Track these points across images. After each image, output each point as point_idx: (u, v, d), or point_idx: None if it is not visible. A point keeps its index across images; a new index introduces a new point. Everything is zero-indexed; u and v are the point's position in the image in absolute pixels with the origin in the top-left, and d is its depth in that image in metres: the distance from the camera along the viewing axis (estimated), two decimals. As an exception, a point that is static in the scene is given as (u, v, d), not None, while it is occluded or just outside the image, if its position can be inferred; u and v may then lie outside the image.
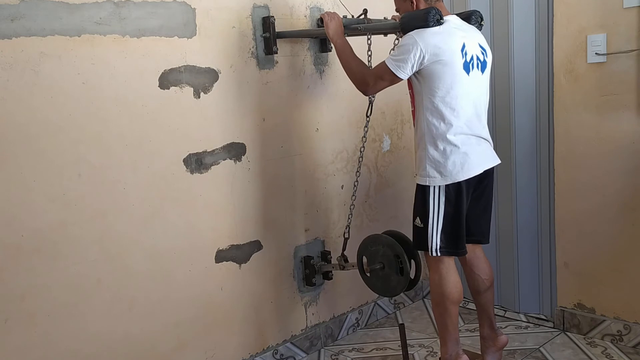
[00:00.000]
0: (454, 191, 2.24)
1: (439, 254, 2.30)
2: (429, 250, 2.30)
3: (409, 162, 3.37)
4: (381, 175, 3.19)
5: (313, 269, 2.85)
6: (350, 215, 2.73)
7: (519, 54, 2.90)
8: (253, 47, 2.56)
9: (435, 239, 2.28)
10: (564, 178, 2.82)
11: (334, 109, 2.92)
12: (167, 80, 2.30)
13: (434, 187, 2.24)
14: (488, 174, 2.35)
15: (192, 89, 2.37)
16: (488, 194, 2.42)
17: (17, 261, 1.98)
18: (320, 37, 2.74)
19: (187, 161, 2.39)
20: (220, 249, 2.53)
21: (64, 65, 2.03)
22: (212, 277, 2.51)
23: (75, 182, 2.09)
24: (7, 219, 1.95)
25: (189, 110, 2.37)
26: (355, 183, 2.71)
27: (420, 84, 2.22)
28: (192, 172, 2.40)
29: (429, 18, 2.12)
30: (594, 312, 2.85)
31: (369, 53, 2.55)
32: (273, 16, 2.57)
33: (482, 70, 2.26)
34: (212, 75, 2.43)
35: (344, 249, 2.75)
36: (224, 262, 2.55)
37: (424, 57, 2.12)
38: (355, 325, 3.16)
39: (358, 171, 2.69)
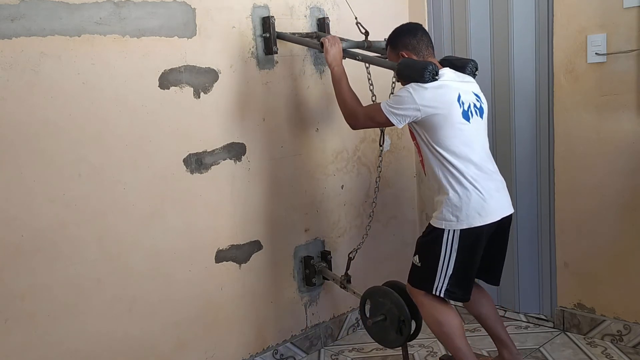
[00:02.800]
0: (470, 237, 2.20)
1: (442, 296, 2.25)
2: (433, 290, 2.24)
3: (409, 162, 3.37)
4: (381, 175, 3.19)
5: (313, 269, 2.85)
6: (365, 236, 2.74)
7: (519, 54, 2.90)
8: (253, 47, 2.56)
9: (442, 281, 2.23)
10: (564, 178, 2.82)
11: (334, 109, 2.91)
12: (167, 80, 2.30)
13: (449, 230, 2.19)
14: (505, 223, 2.30)
15: (192, 89, 2.37)
16: (505, 241, 2.37)
17: (17, 261, 1.98)
18: (318, 50, 2.72)
19: (187, 161, 2.39)
20: (220, 249, 2.53)
21: (64, 65, 2.03)
22: (212, 277, 2.51)
23: (75, 182, 2.09)
24: (7, 219, 1.95)
25: (189, 110, 2.37)
26: (371, 214, 2.79)
27: (422, 134, 2.22)
28: (192, 172, 2.40)
29: (425, 74, 2.15)
30: (594, 312, 2.85)
31: (369, 79, 2.63)
32: (273, 16, 2.57)
33: (481, 116, 2.27)
34: (212, 75, 2.43)
35: (347, 269, 2.75)
36: (224, 262, 2.55)
37: (419, 111, 2.14)
38: (355, 325, 3.16)
39: (374, 202, 2.77)
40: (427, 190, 3.39)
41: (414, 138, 2.31)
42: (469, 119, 2.20)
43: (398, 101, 2.18)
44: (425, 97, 2.14)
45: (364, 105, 2.38)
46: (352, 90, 2.41)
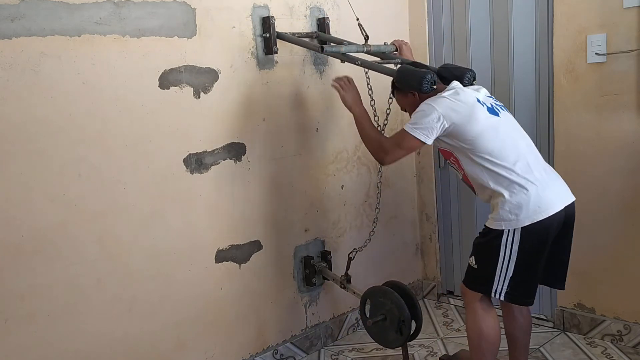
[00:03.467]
0: (532, 234, 2.09)
1: (503, 299, 2.16)
2: (492, 292, 2.16)
3: (409, 162, 3.37)
4: (380, 175, 3.18)
5: (313, 269, 2.85)
6: (368, 240, 2.74)
7: (519, 54, 2.90)
8: (253, 47, 2.56)
9: (502, 283, 2.13)
10: (564, 178, 2.78)
11: (334, 109, 2.92)
12: (167, 80, 2.30)
13: (509, 230, 2.09)
14: (569, 215, 2.18)
15: (192, 89, 2.37)
16: (569, 238, 2.23)
17: (17, 261, 1.98)
18: (317, 52, 2.72)
19: (187, 161, 2.39)
20: (220, 249, 2.53)
21: (64, 65, 2.03)
22: (212, 277, 2.51)
23: (75, 182, 2.09)
24: (7, 219, 1.95)
25: (189, 110, 2.37)
26: (375, 219, 2.77)
27: (457, 145, 2.15)
28: (192, 172, 2.40)
29: (424, 83, 2.14)
30: (594, 312, 2.85)
31: (369, 84, 2.62)
32: (273, 16, 2.57)
33: (507, 111, 2.24)
34: (212, 75, 2.43)
35: (347, 269, 2.75)
36: (224, 262, 2.55)
37: (443, 119, 2.09)
38: (355, 325, 3.16)
39: (377, 208, 2.75)
40: (427, 190, 3.39)
41: (449, 156, 2.23)
42: (498, 113, 2.16)
43: (419, 116, 2.13)
44: (444, 104, 2.10)
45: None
46: (375, 128, 2.37)
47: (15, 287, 1.98)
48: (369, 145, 2.34)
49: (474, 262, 2.21)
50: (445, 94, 2.14)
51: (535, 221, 2.07)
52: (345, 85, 2.47)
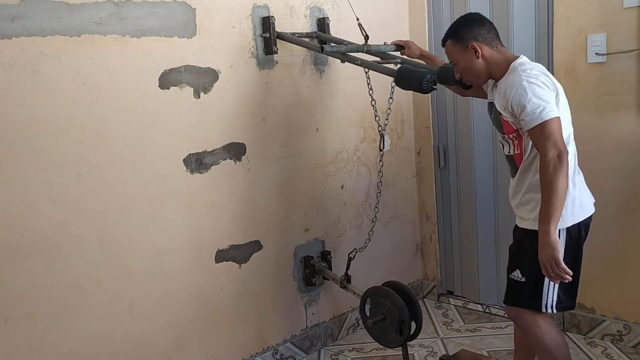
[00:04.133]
0: (575, 233, 1.98)
1: (554, 311, 2.00)
2: (541, 307, 1.99)
3: (409, 162, 3.37)
4: (381, 175, 3.19)
5: (313, 269, 2.85)
6: (367, 241, 2.73)
7: (519, 54, 2.89)
8: (253, 47, 2.56)
9: (551, 294, 1.98)
10: (564, 178, 2.82)
11: (334, 109, 2.92)
12: (167, 80, 2.30)
13: (556, 231, 1.89)
14: (589, 222, 2.08)
15: (192, 89, 2.37)
16: (582, 248, 2.08)
17: (17, 261, 1.98)
18: (317, 52, 2.71)
19: (187, 161, 2.39)
20: (220, 249, 2.53)
21: (64, 65, 2.03)
22: (212, 277, 2.51)
23: (75, 182, 2.09)
24: (7, 219, 1.95)
25: (189, 110, 2.37)
26: (374, 218, 2.74)
27: None
28: (192, 172, 2.40)
29: (424, 84, 2.12)
30: (594, 312, 2.85)
31: (369, 84, 2.58)
32: (273, 16, 2.57)
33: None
34: (212, 75, 2.43)
35: (347, 269, 2.75)
36: (224, 262, 2.55)
37: (556, 90, 1.93)
38: (355, 325, 3.16)
39: (377, 207, 2.71)
40: (427, 190, 3.39)
41: (510, 131, 2.00)
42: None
43: (538, 95, 1.85)
44: (543, 73, 1.93)
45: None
46: (560, 194, 1.86)
47: (15, 287, 1.98)
48: (563, 182, 1.84)
49: (520, 276, 2.01)
50: (529, 65, 1.95)
51: (577, 221, 1.98)
52: (550, 261, 1.87)
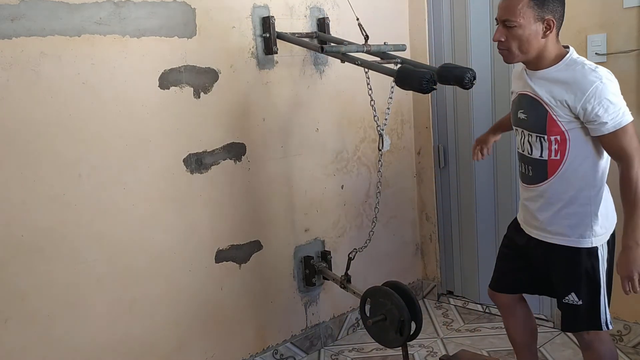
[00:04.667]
0: (611, 246, 1.90)
1: (611, 327, 1.91)
2: (601, 326, 1.88)
3: (409, 162, 3.37)
4: (381, 175, 3.19)
5: (313, 269, 2.85)
6: (368, 240, 2.73)
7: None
8: (253, 47, 2.56)
9: (606, 309, 1.88)
10: (564, 178, 2.82)
11: (334, 109, 2.92)
12: (167, 80, 2.30)
13: (602, 246, 1.86)
14: None
15: (192, 89, 2.37)
16: None
17: (17, 261, 1.98)
18: (317, 52, 2.70)
19: (187, 161, 2.39)
20: (220, 249, 2.53)
21: (64, 65, 2.03)
22: (212, 277, 2.51)
23: (75, 182, 2.09)
24: (7, 219, 1.95)
25: (189, 110, 2.37)
26: (374, 219, 2.69)
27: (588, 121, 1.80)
28: (192, 172, 2.40)
29: (423, 84, 2.08)
30: (594, 312, 2.84)
31: (369, 84, 2.55)
32: (273, 16, 2.57)
33: None
34: (212, 75, 2.43)
35: (347, 269, 2.75)
36: (224, 262, 2.55)
37: None
38: (355, 325, 3.16)
39: (377, 207, 2.67)
40: (427, 190, 3.39)
41: (555, 133, 1.81)
42: None
43: (619, 96, 1.75)
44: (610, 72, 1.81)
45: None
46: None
47: (15, 287, 1.98)
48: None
49: (576, 300, 1.89)
50: (589, 62, 1.80)
51: (611, 233, 1.90)
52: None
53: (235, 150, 2.54)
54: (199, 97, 2.40)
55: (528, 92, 1.88)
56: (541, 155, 1.86)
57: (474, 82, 2.30)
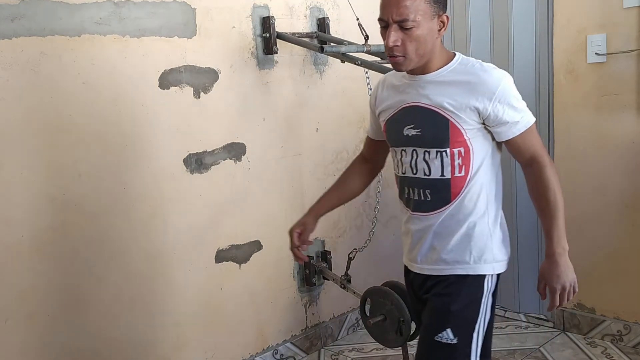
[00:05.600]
0: (498, 280, 1.67)
1: None
2: None
3: (409, 162, 3.36)
4: (381, 175, 3.18)
5: (313, 269, 2.85)
6: (368, 240, 2.73)
7: (519, 54, 2.90)
8: (253, 47, 2.56)
9: (477, 351, 1.62)
10: (564, 178, 2.79)
11: (334, 109, 2.92)
12: (167, 80, 2.30)
13: (491, 276, 1.61)
14: None
15: (192, 89, 2.37)
16: None
17: (17, 261, 1.98)
18: (317, 52, 2.70)
19: (187, 161, 2.39)
20: (220, 249, 2.53)
21: (64, 65, 2.03)
22: (212, 277, 2.50)
23: (75, 182, 2.09)
24: (7, 219, 1.95)
25: (189, 110, 2.37)
26: (374, 220, 2.71)
27: (490, 139, 1.60)
28: (192, 172, 2.40)
29: None
30: (594, 312, 2.85)
31: (369, 84, 2.56)
32: (273, 16, 2.57)
33: None
34: (212, 75, 2.43)
35: (347, 269, 2.75)
36: (224, 262, 2.55)
37: None
38: (355, 325, 3.16)
39: (377, 207, 2.70)
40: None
41: (461, 143, 1.56)
42: None
43: (518, 97, 1.59)
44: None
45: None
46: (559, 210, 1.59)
47: (15, 287, 1.98)
48: (559, 192, 1.61)
49: (451, 337, 1.59)
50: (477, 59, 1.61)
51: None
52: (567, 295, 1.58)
53: (235, 150, 2.54)
54: (199, 97, 2.40)
55: (420, 102, 1.58)
56: (442, 174, 1.59)
57: None
